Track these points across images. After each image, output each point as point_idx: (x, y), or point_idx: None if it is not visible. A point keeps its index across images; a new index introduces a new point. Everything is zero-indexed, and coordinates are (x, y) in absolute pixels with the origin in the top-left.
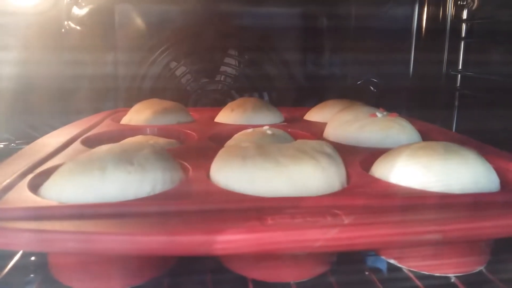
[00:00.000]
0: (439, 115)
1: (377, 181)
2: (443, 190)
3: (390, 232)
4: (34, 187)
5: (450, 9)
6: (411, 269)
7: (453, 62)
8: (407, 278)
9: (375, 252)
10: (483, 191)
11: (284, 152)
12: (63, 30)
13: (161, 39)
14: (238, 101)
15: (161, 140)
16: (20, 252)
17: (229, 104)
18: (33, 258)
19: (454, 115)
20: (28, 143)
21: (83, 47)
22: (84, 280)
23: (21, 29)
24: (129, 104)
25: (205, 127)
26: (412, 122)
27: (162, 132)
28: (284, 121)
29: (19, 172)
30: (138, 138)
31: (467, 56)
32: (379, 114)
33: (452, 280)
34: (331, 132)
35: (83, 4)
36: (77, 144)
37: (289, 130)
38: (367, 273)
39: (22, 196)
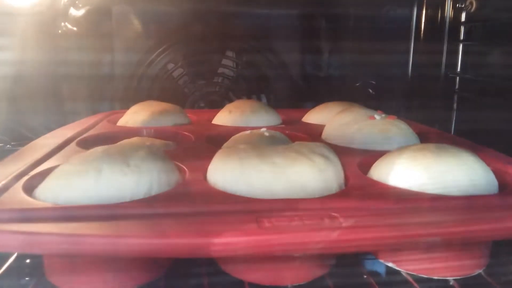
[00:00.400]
0: (438, 117)
1: (375, 183)
2: (441, 193)
3: (388, 234)
4: (29, 189)
5: (449, 11)
6: (410, 272)
7: (452, 64)
8: (406, 282)
9: (373, 255)
10: (481, 194)
11: (282, 154)
12: (60, 31)
13: (158, 40)
14: (236, 103)
15: (158, 142)
16: (15, 255)
17: (227, 106)
18: (28, 260)
19: (452, 117)
20: (23, 144)
21: (79, 48)
22: (78, 283)
23: (17, 30)
24: (126, 105)
25: (202, 129)
26: (410, 125)
27: (159, 133)
28: (282, 123)
29: (14, 174)
30: (134, 140)
31: (465, 58)
32: (377, 117)
33: (451, 283)
34: (329, 134)
35: (80, 5)
36: (73, 146)
37: (287, 132)
38: (365, 276)
39: (17, 198)
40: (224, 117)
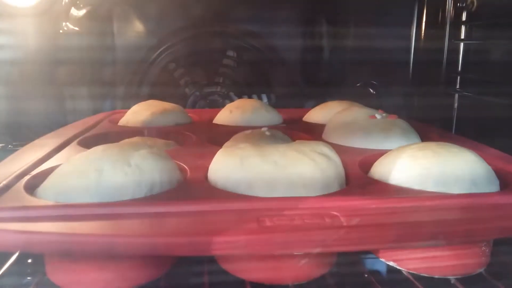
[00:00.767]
0: (439, 116)
1: (376, 182)
2: (442, 191)
3: (389, 233)
4: (31, 188)
5: (450, 10)
6: (411, 271)
7: (453, 63)
8: (407, 280)
9: (374, 254)
10: (482, 192)
11: (283, 153)
12: (61, 31)
13: (159, 40)
14: (237, 102)
15: (159, 142)
16: (16, 254)
17: (228, 106)
18: (29, 260)
19: (453, 116)
20: (24, 145)
21: (81, 48)
22: (80, 282)
23: (19, 30)
24: (127, 105)
25: (204, 129)
26: (411, 124)
27: (160, 133)
28: (283, 123)
29: (16, 174)
30: (136, 140)
31: (466, 57)
32: (378, 116)
33: (452, 282)
34: (330, 134)
35: (81, 5)
36: (74, 146)
37: (288, 131)
38: (366, 275)
39: (18, 197)
40: (225, 117)
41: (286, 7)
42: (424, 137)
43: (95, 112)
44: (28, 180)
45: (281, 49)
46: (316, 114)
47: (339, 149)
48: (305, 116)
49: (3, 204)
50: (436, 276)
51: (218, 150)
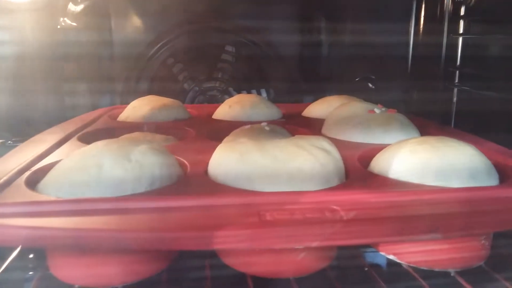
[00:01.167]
0: (438, 111)
1: (375, 176)
2: (442, 185)
3: (389, 227)
4: (32, 184)
5: (448, 5)
6: (411, 265)
7: (452, 58)
8: (407, 274)
9: (374, 247)
10: (481, 186)
11: (282, 148)
12: (59, 26)
13: (158, 36)
14: (236, 97)
15: (159, 137)
16: (18, 249)
17: (227, 101)
18: (31, 255)
19: (452, 110)
20: (24, 140)
21: (79, 43)
22: (82, 277)
23: (17, 25)
24: (126, 101)
25: (203, 124)
26: (410, 118)
27: (160, 128)
28: (282, 117)
29: (16, 169)
30: (135, 135)
31: (465, 52)
32: (377, 110)
33: (452, 275)
34: (329, 128)
35: (79, 0)
36: (74, 141)
37: (287, 126)
38: (366, 268)
39: (19, 192)
40: (224, 112)
41: (285, 2)
42: (423, 131)
43: (94, 107)
44: (29, 175)
45: (280, 44)
46: (315, 109)
47: (339, 144)
48: (304, 111)
49: (4, 199)
50: (436, 269)
51: (217, 145)
